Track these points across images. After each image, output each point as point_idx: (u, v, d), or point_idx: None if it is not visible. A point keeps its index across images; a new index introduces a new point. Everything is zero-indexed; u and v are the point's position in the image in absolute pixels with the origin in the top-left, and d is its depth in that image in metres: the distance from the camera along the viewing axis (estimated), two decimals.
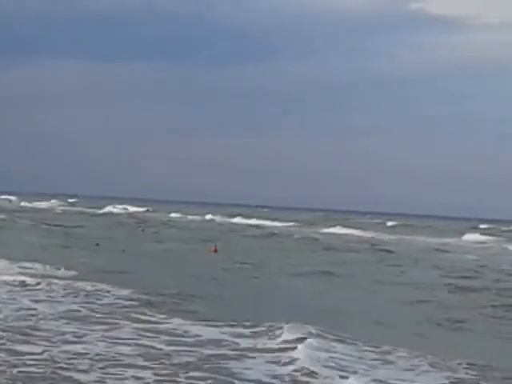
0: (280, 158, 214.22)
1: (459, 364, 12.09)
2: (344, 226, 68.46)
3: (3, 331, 12.54)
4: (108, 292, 18.02)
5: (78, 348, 11.70)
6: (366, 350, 12.74)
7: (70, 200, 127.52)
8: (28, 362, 10.61)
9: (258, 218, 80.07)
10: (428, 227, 77.95)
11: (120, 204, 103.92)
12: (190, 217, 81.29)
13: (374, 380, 10.64)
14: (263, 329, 13.84)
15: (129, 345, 12.17)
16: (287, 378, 10.58)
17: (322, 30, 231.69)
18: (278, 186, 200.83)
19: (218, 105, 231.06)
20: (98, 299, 16.94)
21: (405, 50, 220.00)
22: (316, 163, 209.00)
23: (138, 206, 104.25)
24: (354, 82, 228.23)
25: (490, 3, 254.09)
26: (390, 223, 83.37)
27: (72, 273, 21.63)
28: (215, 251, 32.63)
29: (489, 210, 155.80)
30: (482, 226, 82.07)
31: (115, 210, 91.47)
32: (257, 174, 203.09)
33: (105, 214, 79.90)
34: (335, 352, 12.22)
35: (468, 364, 12.12)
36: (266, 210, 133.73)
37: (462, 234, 63.65)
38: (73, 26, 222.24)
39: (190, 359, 11.37)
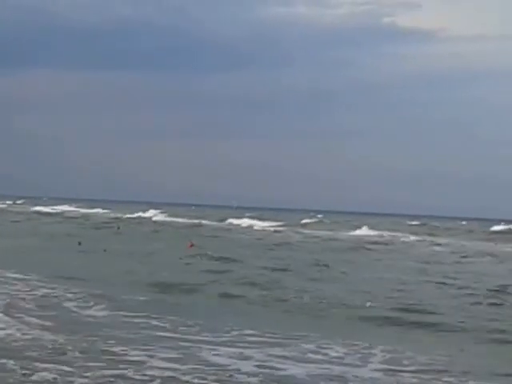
0: (258, 159, 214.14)
1: None
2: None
3: None
4: None
5: None
6: None
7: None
8: None
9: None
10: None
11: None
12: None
13: None
14: None
15: None
16: None
17: (302, 41, 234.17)
18: (257, 186, 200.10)
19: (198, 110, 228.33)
20: None
21: (378, 59, 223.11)
22: (293, 164, 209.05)
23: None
24: (333, 89, 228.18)
25: (457, 17, 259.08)
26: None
27: None
28: (191, 246, 34.44)
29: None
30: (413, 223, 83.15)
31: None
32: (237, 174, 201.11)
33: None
34: None
35: None
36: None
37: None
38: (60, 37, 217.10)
39: None
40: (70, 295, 17.67)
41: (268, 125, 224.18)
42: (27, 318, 14.18)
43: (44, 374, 10.06)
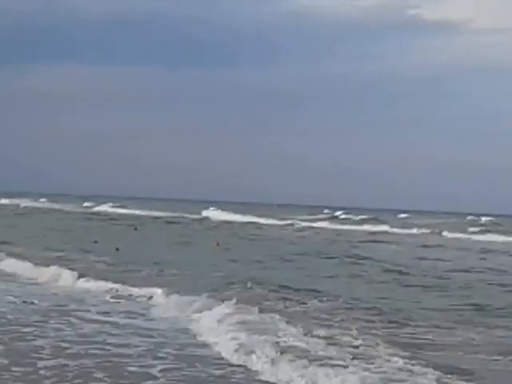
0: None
1: None
2: None
3: None
4: None
5: None
6: None
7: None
8: None
9: None
10: None
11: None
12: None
13: None
14: None
15: None
16: None
17: (330, 34, 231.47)
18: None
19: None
20: None
21: (404, 52, 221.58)
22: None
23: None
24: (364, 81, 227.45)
25: (483, 9, 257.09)
26: None
27: None
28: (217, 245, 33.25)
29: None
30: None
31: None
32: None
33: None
34: None
35: None
36: None
37: None
38: (78, 30, 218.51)
39: None
40: None
41: (315, 120, 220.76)
42: None
43: None
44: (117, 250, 28.50)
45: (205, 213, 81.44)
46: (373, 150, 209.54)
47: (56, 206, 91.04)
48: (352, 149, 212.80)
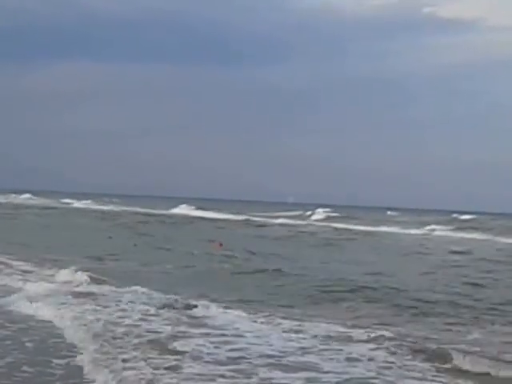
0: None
1: None
2: None
3: None
4: None
5: None
6: None
7: None
8: None
9: None
10: None
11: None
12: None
13: None
14: None
15: None
16: None
17: (344, 33, 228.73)
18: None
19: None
20: None
21: (418, 50, 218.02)
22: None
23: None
24: (379, 79, 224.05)
25: (498, 6, 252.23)
26: None
27: None
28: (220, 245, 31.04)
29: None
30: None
31: None
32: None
33: None
34: None
35: None
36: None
37: None
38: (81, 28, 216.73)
39: None
40: None
41: (323, 118, 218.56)
42: None
43: None
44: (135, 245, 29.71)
45: (175, 210, 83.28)
46: (380, 149, 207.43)
47: (32, 201, 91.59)
48: (363, 148, 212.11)
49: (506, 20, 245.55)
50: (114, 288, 16.11)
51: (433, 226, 57.70)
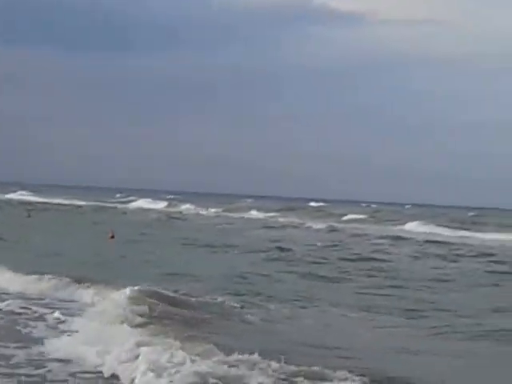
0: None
1: None
2: None
3: None
4: None
5: None
6: None
7: None
8: None
9: None
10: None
11: None
12: None
13: None
14: None
15: None
16: None
17: (232, 21, 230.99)
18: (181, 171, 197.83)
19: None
20: None
21: (305, 41, 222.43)
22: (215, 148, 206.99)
23: None
24: (263, 70, 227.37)
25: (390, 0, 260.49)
26: None
27: None
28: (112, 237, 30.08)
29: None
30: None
31: None
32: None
33: None
34: None
35: None
36: None
37: None
38: None
39: None
40: None
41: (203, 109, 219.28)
42: None
43: None
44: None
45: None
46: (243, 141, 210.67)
47: None
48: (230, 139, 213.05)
49: (398, 14, 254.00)
50: None
51: None
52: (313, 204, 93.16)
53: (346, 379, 7.95)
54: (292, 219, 57.46)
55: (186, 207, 74.31)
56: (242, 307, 13.71)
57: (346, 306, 14.76)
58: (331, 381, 7.96)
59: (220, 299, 13.96)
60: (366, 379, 7.97)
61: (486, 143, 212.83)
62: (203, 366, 8.14)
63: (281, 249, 26.65)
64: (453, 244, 33.81)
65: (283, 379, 7.99)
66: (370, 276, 20.14)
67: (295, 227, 46.55)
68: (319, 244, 30.75)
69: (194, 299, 13.52)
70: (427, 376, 9.03)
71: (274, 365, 8.31)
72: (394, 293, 16.91)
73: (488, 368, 10.03)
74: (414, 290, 17.69)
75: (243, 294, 15.44)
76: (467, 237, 43.08)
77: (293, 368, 8.26)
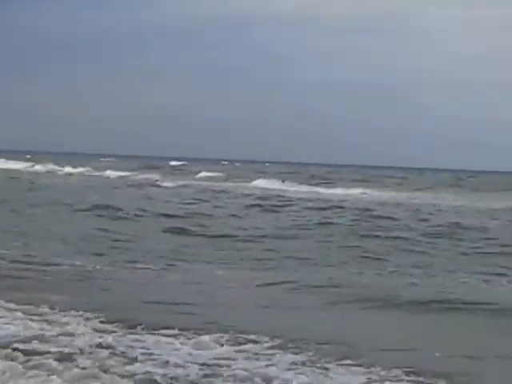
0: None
1: None
2: None
3: None
4: None
5: None
6: None
7: None
8: None
9: None
10: None
11: None
12: None
13: None
14: None
15: None
16: None
17: None
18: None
19: None
20: None
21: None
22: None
23: None
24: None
25: None
26: None
27: None
28: None
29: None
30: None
31: None
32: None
33: None
34: None
35: None
36: None
37: None
38: None
39: None
40: None
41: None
42: None
43: None
44: None
45: None
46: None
47: None
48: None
49: None
50: None
51: None
52: (173, 163, 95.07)
53: None
54: (147, 177, 58.79)
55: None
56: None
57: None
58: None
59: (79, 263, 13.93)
60: None
61: None
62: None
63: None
64: (283, 197, 37.38)
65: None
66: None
67: (146, 186, 47.40)
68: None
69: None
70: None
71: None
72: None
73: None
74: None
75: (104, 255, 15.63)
76: (306, 192, 46.32)
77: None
